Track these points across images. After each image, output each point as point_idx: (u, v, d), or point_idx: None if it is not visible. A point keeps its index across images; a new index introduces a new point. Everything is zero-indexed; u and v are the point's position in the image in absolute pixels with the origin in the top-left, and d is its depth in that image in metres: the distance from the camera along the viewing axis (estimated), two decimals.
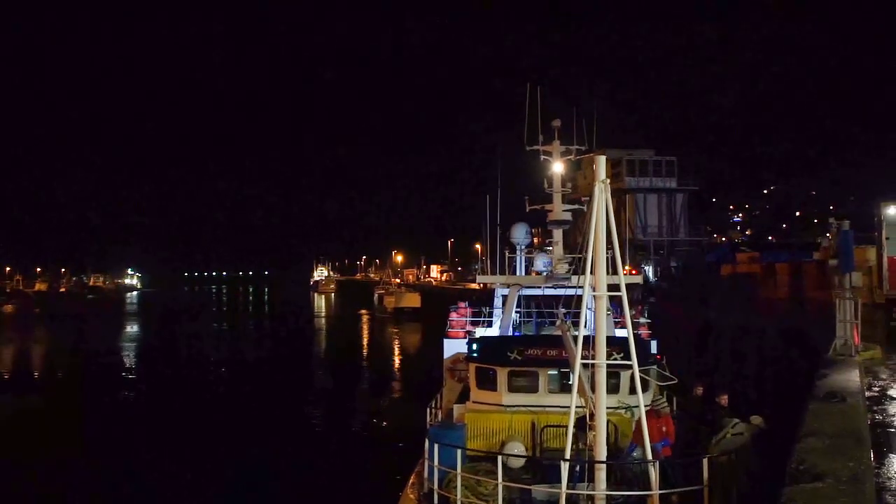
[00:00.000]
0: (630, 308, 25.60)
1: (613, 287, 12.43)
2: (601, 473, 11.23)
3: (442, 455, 13.70)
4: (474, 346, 17.81)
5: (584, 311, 11.48)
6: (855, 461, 10.97)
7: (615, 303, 27.23)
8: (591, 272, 11.93)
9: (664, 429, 14.34)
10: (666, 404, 14.87)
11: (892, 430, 14.71)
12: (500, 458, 12.77)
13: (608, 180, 11.80)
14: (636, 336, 21.77)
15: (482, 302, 26.79)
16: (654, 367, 17.22)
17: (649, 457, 11.39)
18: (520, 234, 25.18)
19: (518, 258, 25.11)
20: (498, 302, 24.09)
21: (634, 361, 11.26)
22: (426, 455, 14.30)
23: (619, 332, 21.63)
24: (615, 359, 16.05)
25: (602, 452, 11.56)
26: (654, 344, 20.28)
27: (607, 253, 11.84)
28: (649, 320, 24.29)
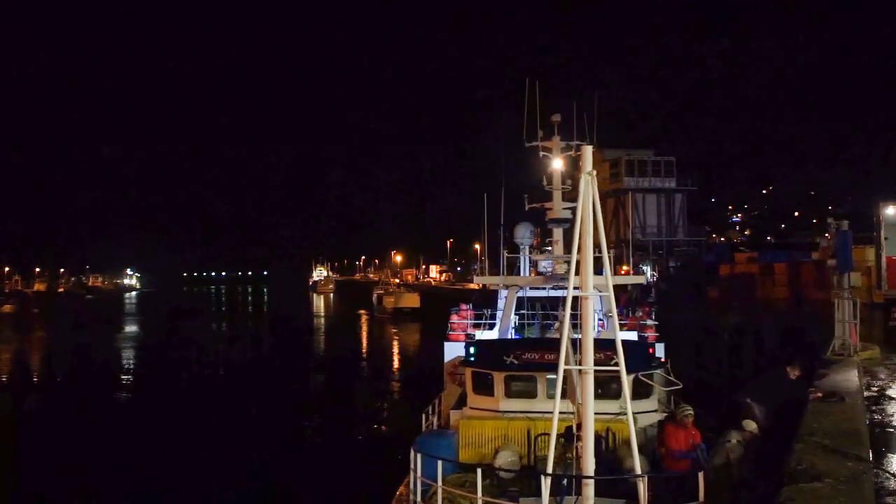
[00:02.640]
0: (637, 309, 25.09)
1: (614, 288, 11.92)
2: (588, 489, 10.58)
3: (426, 466, 13.09)
4: (471, 350, 17.32)
5: (567, 312, 10.79)
6: (853, 461, 10.97)
7: (621, 304, 26.72)
8: (578, 272, 11.21)
9: (692, 442, 13.68)
10: (689, 410, 13.95)
11: (891, 429, 14.71)
12: (479, 470, 12.18)
13: (594, 172, 11.11)
14: (641, 338, 21.44)
15: (485, 303, 26.30)
16: (659, 371, 16.86)
17: (638, 470, 10.53)
18: (523, 233, 24.52)
19: (522, 258, 24.49)
20: (502, 304, 23.18)
21: (623, 366, 10.62)
22: (411, 465, 13.73)
23: (624, 335, 21.31)
24: (615, 363, 15.78)
25: (589, 466, 10.86)
26: (661, 347, 19.74)
27: (598, 252, 11.20)
28: (656, 322, 23.35)
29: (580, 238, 10.70)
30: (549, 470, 10.74)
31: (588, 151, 11.14)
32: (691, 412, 13.84)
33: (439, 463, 12.57)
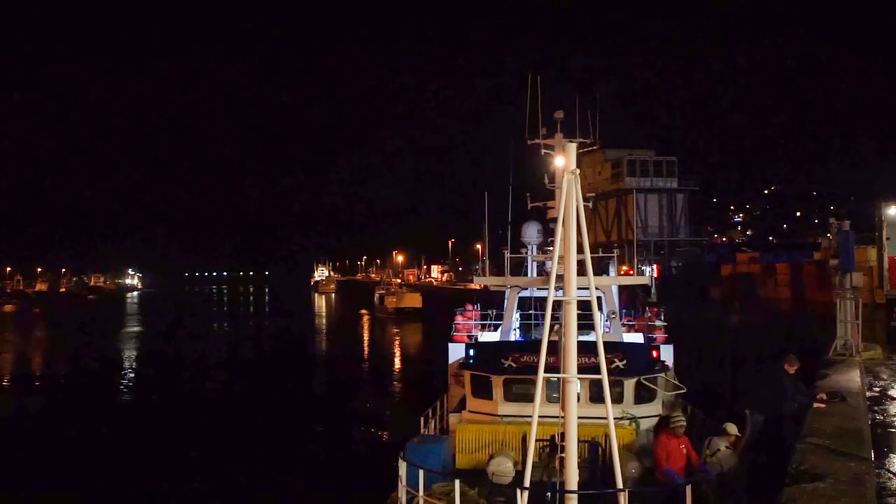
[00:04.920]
0: (646, 310, 24.73)
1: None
2: (571, 503, 10.15)
3: (410, 474, 12.73)
4: (471, 353, 17.15)
5: (548, 314, 10.34)
6: (856, 461, 10.96)
7: (625, 306, 26.35)
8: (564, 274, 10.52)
9: (683, 448, 13.42)
10: (681, 422, 13.62)
11: (893, 430, 14.70)
12: (456, 481, 11.90)
13: (578, 171, 10.84)
14: (649, 340, 21.13)
15: (492, 304, 25.95)
16: (662, 374, 16.52)
17: (620, 483, 10.02)
18: (531, 233, 23.96)
19: (529, 258, 23.78)
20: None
21: (604, 371, 10.10)
22: (399, 473, 13.35)
23: (629, 337, 20.64)
24: (616, 366, 15.54)
25: (573, 479, 10.40)
26: (670, 349, 19.51)
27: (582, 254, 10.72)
28: (665, 323, 22.73)
29: (563, 239, 10.41)
30: (527, 481, 10.43)
31: (572, 149, 10.86)
32: (683, 422, 13.50)
33: (421, 473, 12.30)
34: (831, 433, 12.62)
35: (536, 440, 13.10)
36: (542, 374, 10.16)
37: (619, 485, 10.08)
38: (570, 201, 10.28)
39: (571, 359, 10.33)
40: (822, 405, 15.22)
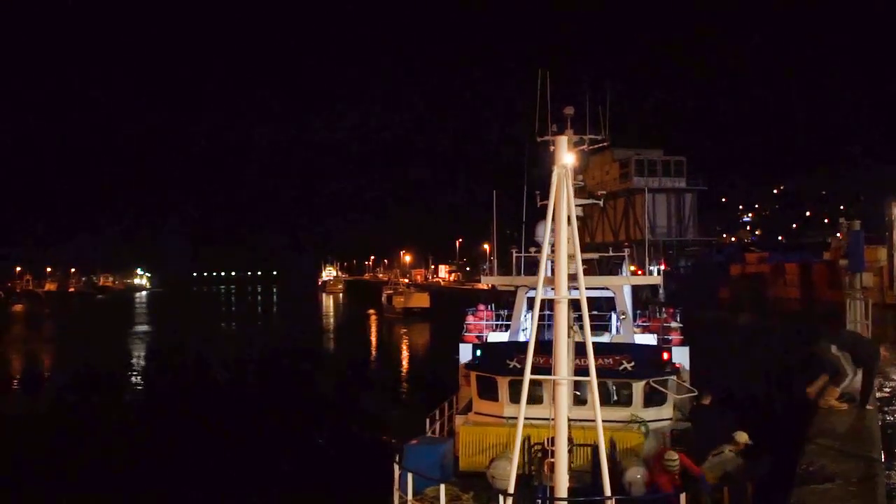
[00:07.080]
0: (661, 311, 24.47)
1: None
2: None
3: (403, 478, 12.67)
4: (478, 353, 17.07)
5: (535, 314, 10.09)
6: (865, 462, 10.90)
7: (638, 307, 26.08)
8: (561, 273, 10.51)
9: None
10: (675, 460, 12.96)
11: None
12: (442, 486, 11.80)
13: (569, 164, 10.54)
14: (664, 341, 20.90)
15: (503, 304, 25.87)
16: (673, 377, 16.32)
17: (608, 491, 9.80)
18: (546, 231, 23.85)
19: (543, 258, 23.92)
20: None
21: (593, 374, 9.78)
22: (395, 475, 13.28)
23: (641, 339, 20.34)
24: (624, 368, 15.41)
25: (562, 485, 10.01)
26: (685, 350, 19.29)
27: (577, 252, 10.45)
28: (682, 325, 22.20)
29: (554, 237, 10.18)
30: (512, 487, 10.08)
31: (562, 142, 10.62)
32: (676, 462, 12.85)
33: (410, 477, 12.16)
34: (841, 434, 12.55)
35: (536, 444, 13.17)
36: (528, 376, 9.99)
37: (608, 492, 9.90)
38: (560, 196, 10.01)
39: (562, 360, 10.09)
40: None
